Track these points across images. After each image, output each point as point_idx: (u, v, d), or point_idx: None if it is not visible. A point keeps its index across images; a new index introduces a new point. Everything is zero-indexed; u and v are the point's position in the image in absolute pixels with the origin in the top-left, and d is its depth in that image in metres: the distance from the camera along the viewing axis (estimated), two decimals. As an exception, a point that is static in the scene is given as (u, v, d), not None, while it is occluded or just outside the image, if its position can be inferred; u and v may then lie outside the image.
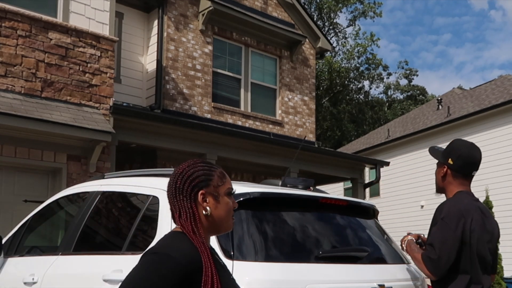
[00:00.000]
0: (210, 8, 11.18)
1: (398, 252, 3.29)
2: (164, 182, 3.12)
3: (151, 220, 2.96)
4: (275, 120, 12.52)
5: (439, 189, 3.00)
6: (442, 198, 2.98)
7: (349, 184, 16.23)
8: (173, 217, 1.80)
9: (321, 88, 31.19)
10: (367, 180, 13.22)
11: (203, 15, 11.33)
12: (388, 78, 37.77)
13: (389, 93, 38.51)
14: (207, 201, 1.78)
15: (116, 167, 8.23)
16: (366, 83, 36.15)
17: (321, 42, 13.56)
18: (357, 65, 33.98)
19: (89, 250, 3.29)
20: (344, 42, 33.78)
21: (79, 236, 3.39)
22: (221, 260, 1.86)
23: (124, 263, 2.86)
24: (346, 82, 33.16)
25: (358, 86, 35.61)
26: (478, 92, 18.04)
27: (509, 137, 14.45)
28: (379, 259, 3.08)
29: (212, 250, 1.81)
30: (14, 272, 3.76)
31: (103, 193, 3.49)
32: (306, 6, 29.98)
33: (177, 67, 11.03)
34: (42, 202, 4.47)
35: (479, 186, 12.99)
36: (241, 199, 2.73)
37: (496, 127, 14.89)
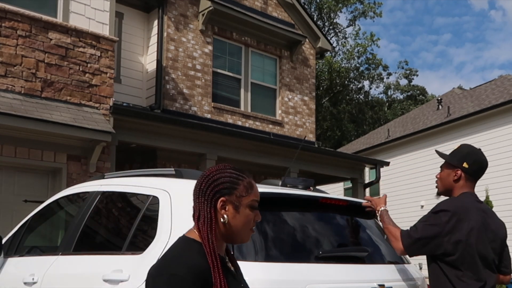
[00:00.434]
0: (210, 8, 11.18)
1: (398, 252, 3.29)
2: (164, 182, 3.13)
3: (151, 220, 2.96)
4: (275, 120, 12.52)
5: (445, 191, 3.04)
6: (442, 197, 3.00)
7: (349, 184, 16.23)
8: (193, 217, 1.78)
9: (321, 88, 31.19)
10: (367, 180, 13.22)
11: (203, 15, 11.33)
12: (388, 78, 37.81)
13: (389, 93, 38.53)
14: (226, 209, 1.74)
15: (116, 167, 8.23)
16: (366, 83, 36.18)
17: (321, 42, 13.56)
18: (357, 65, 33.99)
19: (89, 250, 3.29)
20: (344, 42, 33.80)
21: (79, 236, 3.39)
22: (233, 267, 1.83)
23: (124, 263, 2.86)
24: (346, 82, 33.16)
25: (358, 86, 35.62)
26: (478, 92, 18.04)
27: (509, 137, 14.45)
28: (379, 259, 3.08)
29: (223, 258, 1.78)
30: (14, 272, 3.76)
31: (103, 193, 3.49)
32: (306, 6, 29.99)
33: (177, 67, 11.03)
34: (42, 202, 4.47)
35: (479, 186, 12.94)
36: (241, 199, 2.73)
37: (496, 127, 14.89)
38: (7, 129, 7.03)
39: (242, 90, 12.15)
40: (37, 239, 4.28)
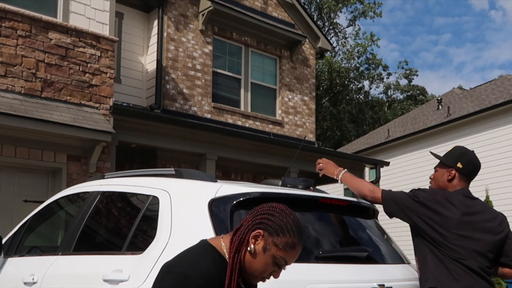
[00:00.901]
0: (210, 8, 11.18)
1: (398, 252, 3.30)
2: (164, 182, 3.13)
3: (151, 220, 2.96)
4: (275, 120, 12.53)
5: None
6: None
7: (349, 184, 16.20)
8: (235, 226, 1.78)
9: (321, 88, 31.19)
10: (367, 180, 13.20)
11: (203, 15, 11.33)
12: (388, 78, 37.79)
13: (389, 93, 38.51)
14: (257, 242, 1.70)
15: (116, 167, 8.23)
16: (366, 83, 36.16)
17: (321, 42, 13.57)
18: (357, 65, 33.98)
19: (89, 250, 3.29)
20: (344, 42, 33.79)
21: (79, 236, 3.39)
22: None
23: (124, 263, 2.86)
24: (346, 82, 33.15)
25: (358, 86, 35.61)
26: (478, 92, 18.04)
27: (509, 137, 14.44)
28: (379, 259, 3.08)
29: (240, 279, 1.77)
30: (14, 272, 3.76)
31: (103, 193, 3.49)
32: (306, 6, 29.99)
33: (177, 67, 11.04)
34: (42, 202, 4.47)
35: (479, 186, 12.99)
36: (241, 199, 2.73)
37: (496, 127, 14.89)
38: (7, 129, 7.03)
39: (242, 90, 12.15)
40: (37, 239, 4.28)
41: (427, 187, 3.11)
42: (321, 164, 3.35)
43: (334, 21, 33.10)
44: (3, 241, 4.07)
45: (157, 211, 2.92)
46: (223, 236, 1.78)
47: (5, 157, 7.17)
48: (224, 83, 11.94)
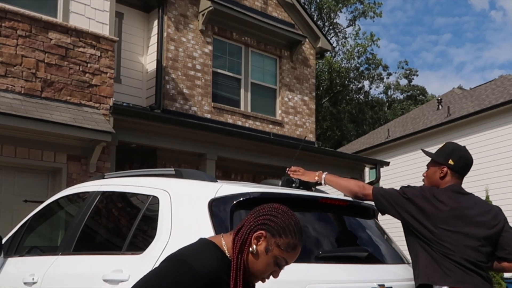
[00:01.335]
0: (210, 8, 11.18)
1: (398, 252, 3.30)
2: (164, 182, 3.13)
3: (151, 220, 2.96)
4: (275, 120, 12.53)
5: None
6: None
7: (349, 184, 16.20)
8: (236, 227, 1.78)
9: (321, 88, 31.18)
10: (367, 180, 13.22)
11: (203, 15, 11.33)
12: (388, 78, 37.79)
13: (389, 93, 38.51)
14: (259, 242, 1.72)
15: (116, 167, 8.23)
16: (366, 83, 36.16)
17: (321, 42, 13.56)
18: (357, 65, 33.97)
19: (89, 250, 3.29)
20: (344, 42, 33.78)
21: (79, 236, 3.39)
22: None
23: (124, 263, 2.86)
24: (346, 82, 33.15)
25: (358, 86, 35.60)
26: (478, 92, 18.04)
27: (509, 137, 14.44)
28: (379, 259, 3.08)
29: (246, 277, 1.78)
30: (14, 272, 3.76)
31: (103, 193, 3.49)
32: (306, 6, 29.98)
33: (177, 67, 11.03)
34: (42, 202, 4.46)
35: (479, 186, 12.99)
36: (241, 199, 2.73)
37: (496, 127, 14.89)
38: (7, 129, 7.03)
39: (242, 90, 12.15)
40: (37, 239, 4.28)
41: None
42: (299, 172, 3.27)
43: (334, 21, 33.11)
44: (3, 241, 4.07)
45: (157, 211, 2.92)
46: (223, 235, 1.79)
47: (5, 157, 7.17)
48: (224, 83, 11.94)
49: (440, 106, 19.03)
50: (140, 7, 11.10)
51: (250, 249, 1.71)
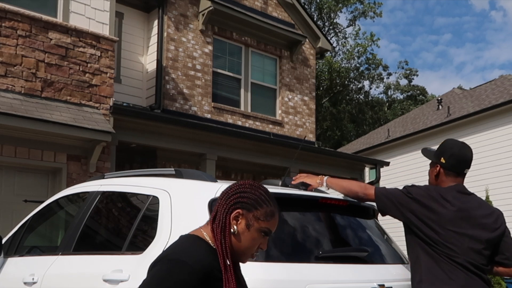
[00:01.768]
0: (210, 8, 11.18)
1: (398, 252, 3.30)
2: (164, 182, 3.13)
3: (151, 220, 2.96)
4: (275, 120, 12.52)
5: None
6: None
7: (349, 184, 16.19)
8: (210, 217, 1.79)
9: (321, 88, 31.18)
10: (367, 180, 13.21)
11: (203, 15, 11.33)
12: (388, 78, 37.78)
13: (389, 93, 38.50)
14: (239, 222, 1.74)
15: (116, 167, 8.24)
16: (366, 83, 36.16)
17: (321, 42, 13.56)
18: (357, 65, 33.97)
19: (89, 250, 3.29)
20: (344, 42, 33.77)
21: (79, 236, 3.39)
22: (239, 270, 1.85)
23: (124, 263, 2.86)
24: (346, 82, 33.14)
25: (358, 86, 35.60)
26: (478, 92, 18.04)
27: (509, 137, 14.44)
28: (379, 259, 3.08)
29: (236, 263, 1.79)
30: (14, 272, 3.76)
31: (103, 193, 3.49)
32: (306, 6, 29.98)
33: (177, 67, 11.03)
34: (42, 202, 4.46)
35: (479, 186, 12.99)
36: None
37: (496, 127, 14.89)
38: (7, 129, 7.03)
39: (242, 90, 12.15)
40: (37, 239, 4.28)
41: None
42: (303, 175, 3.25)
43: (334, 21, 33.10)
44: (3, 241, 4.07)
45: (157, 211, 2.92)
46: (202, 227, 1.79)
47: (5, 157, 7.18)
48: (224, 83, 11.94)
49: (440, 106, 19.02)
50: (140, 7, 11.10)
51: (232, 230, 1.72)
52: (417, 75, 50.30)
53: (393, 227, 5.69)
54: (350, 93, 35.18)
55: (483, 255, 2.78)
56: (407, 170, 17.23)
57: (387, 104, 37.62)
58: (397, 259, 3.19)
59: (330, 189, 3.22)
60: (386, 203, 2.91)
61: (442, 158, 2.95)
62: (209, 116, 11.32)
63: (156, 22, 10.98)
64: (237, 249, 1.75)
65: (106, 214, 3.54)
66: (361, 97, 36.48)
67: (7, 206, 7.30)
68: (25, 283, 3.50)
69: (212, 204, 2.72)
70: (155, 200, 3.00)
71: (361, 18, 33.45)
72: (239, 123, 11.80)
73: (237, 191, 1.76)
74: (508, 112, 14.62)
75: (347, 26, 35.42)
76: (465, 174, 2.96)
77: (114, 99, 8.43)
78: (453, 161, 2.92)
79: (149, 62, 11.03)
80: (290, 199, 2.93)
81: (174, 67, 10.99)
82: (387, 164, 12.82)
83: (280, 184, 3.31)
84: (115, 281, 2.80)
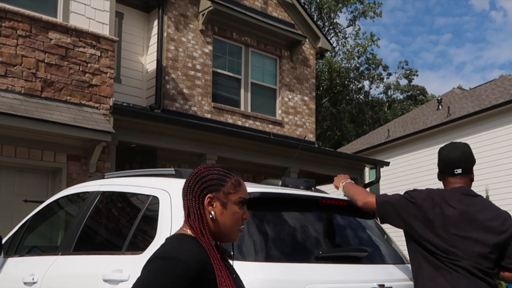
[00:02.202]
0: (210, 8, 11.18)
1: (398, 252, 3.29)
2: (164, 182, 3.13)
3: (151, 220, 2.96)
4: (275, 120, 12.52)
5: None
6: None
7: (349, 184, 16.19)
8: (184, 216, 1.79)
9: (321, 88, 31.18)
10: (367, 180, 13.21)
11: (203, 15, 11.33)
12: (388, 78, 37.79)
13: (389, 93, 38.51)
14: (214, 205, 1.75)
15: (116, 167, 8.23)
16: (366, 83, 36.17)
17: (321, 42, 13.56)
18: (357, 65, 33.97)
19: (89, 250, 3.29)
20: (344, 42, 33.77)
21: (79, 236, 3.39)
22: (227, 260, 1.85)
23: (124, 263, 2.86)
24: (346, 82, 33.14)
25: (358, 86, 35.60)
26: (478, 92, 18.04)
27: (509, 137, 14.44)
28: (379, 259, 3.08)
29: (219, 249, 1.80)
30: (14, 272, 3.76)
31: (103, 193, 3.49)
32: (306, 6, 29.98)
33: (177, 67, 11.03)
34: (42, 202, 4.46)
35: (479, 186, 12.99)
36: (241, 199, 2.73)
37: (496, 127, 14.89)
38: (7, 129, 7.03)
39: (242, 90, 12.15)
40: (37, 239, 4.28)
41: (426, 187, 3.03)
42: (341, 177, 3.33)
43: (334, 21, 33.10)
44: (3, 241, 4.07)
45: (157, 211, 2.92)
46: (183, 227, 1.79)
47: (5, 157, 7.17)
48: (224, 83, 11.94)
49: (440, 106, 19.02)
50: (140, 7, 11.10)
51: (210, 216, 1.73)
52: (417, 75, 50.35)
53: (393, 227, 5.69)
54: (350, 93, 35.19)
55: (489, 259, 2.69)
56: (407, 170, 17.23)
57: (387, 104, 37.63)
58: (397, 259, 3.18)
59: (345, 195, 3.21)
60: (388, 209, 2.88)
61: (438, 164, 2.99)
62: (209, 116, 11.32)
63: (156, 22, 10.98)
64: (224, 230, 1.76)
65: (106, 214, 3.54)
66: (361, 97, 36.48)
67: (7, 206, 7.30)
68: (25, 283, 3.50)
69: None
70: (155, 200, 3.00)
71: (361, 18, 33.48)
72: (239, 123, 11.79)
73: (197, 179, 1.77)
74: (508, 112, 14.63)
75: (347, 26, 35.44)
76: (459, 174, 2.87)
77: (114, 99, 8.42)
78: (442, 164, 2.93)
79: (149, 62, 11.03)
80: (290, 199, 2.93)
81: (174, 67, 10.99)
82: (387, 164, 12.82)
83: (280, 184, 3.31)
84: (115, 281, 2.80)
